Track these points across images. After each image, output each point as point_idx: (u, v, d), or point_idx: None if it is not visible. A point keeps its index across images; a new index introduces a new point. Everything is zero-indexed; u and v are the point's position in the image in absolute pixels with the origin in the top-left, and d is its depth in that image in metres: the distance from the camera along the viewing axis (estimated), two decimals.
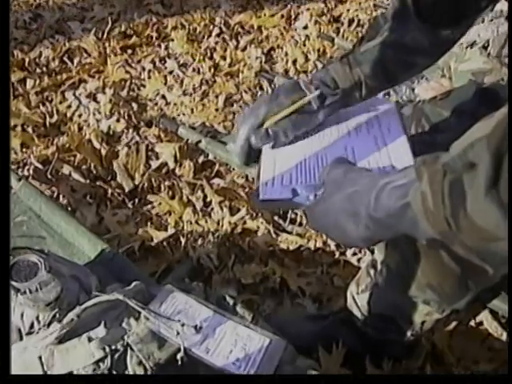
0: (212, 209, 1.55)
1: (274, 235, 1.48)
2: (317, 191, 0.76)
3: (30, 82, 2.05)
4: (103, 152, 1.71)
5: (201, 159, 1.72)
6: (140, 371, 0.84)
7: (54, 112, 1.90)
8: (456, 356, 1.25)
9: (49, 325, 0.89)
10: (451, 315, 1.16)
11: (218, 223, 1.50)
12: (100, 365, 0.84)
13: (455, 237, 0.59)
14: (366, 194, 0.68)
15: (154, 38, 2.36)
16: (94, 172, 1.65)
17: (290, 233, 1.50)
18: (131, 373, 0.83)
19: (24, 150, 1.73)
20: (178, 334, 0.86)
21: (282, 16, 2.62)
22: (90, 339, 0.86)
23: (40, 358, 0.85)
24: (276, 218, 1.54)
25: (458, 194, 0.55)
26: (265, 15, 2.63)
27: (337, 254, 1.44)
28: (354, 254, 1.45)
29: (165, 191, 1.61)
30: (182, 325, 0.87)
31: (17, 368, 0.86)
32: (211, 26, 2.49)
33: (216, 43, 2.38)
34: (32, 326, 0.90)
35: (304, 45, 2.38)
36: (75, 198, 1.54)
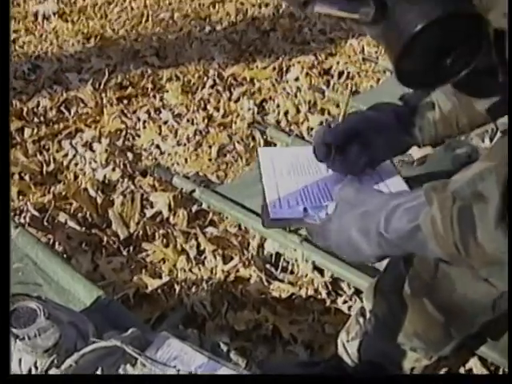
0: (205, 257, 1.58)
1: (266, 283, 1.51)
2: (326, 211, 0.80)
3: (27, 131, 2.10)
4: (99, 200, 1.75)
5: (194, 208, 1.76)
6: None
7: (51, 160, 1.95)
8: None
9: (47, 371, 0.91)
10: (440, 362, 1.18)
11: (212, 271, 1.53)
12: None
13: (463, 260, 0.64)
14: (376, 214, 0.72)
15: (149, 89, 2.43)
16: (90, 220, 1.69)
17: (281, 281, 1.53)
18: None
19: (21, 197, 1.76)
20: None
21: (274, 68, 2.71)
22: None
23: None
24: (268, 266, 1.57)
25: (467, 221, 0.61)
26: (257, 67, 2.72)
27: (328, 302, 1.47)
28: (345, 301, 1.48)
29: (159, 239, 1.64)
30: (178, 371, 0.89)
31: None
32: (205, 78, 2.57)
33: (210, 94, 2.45)
34: (30, 372, 0.92)
35: (295, 96, 2.46)
36: (71, 245, 1.57)
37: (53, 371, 0.89)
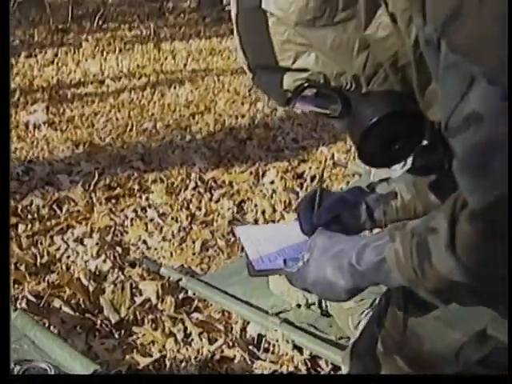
0: (192, 339, 1.68)
1: (249, 362, 1.61)
2: (303, 260, 0.95)
3: (21, 227, 2.23)
4: (91, 288, 1.86)
5: (181, 296, 1.88)
6: None
7: (45, 253, 2.07)
8: None
9: None
10: None
11: (198, 351, 1.64)
12: None
13: (420, 283, 0.80)
14: (349, 252, 0.88)
15: (135, 190, 2.61)
16: (83, 306, 1.79)
17: (264, 360, 1.63)
18: None
19: (16, 286, 1.86)
20: None
21: (251, 173, 2.93)
22: None
23: None
24: (251, 347, 1.68)
25: (423, 250, 0.78)
26: (235, 172, 2.94)
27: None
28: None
29: (148, 324, 1.75)
30: None
31: None
32: (187, 181, 2.77)
33: (192, 195, 2.64)
34: None
35: (271, 197, 2.66)
36: (65, 328, 1.67)
37: None
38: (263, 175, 2.94)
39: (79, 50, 6.04)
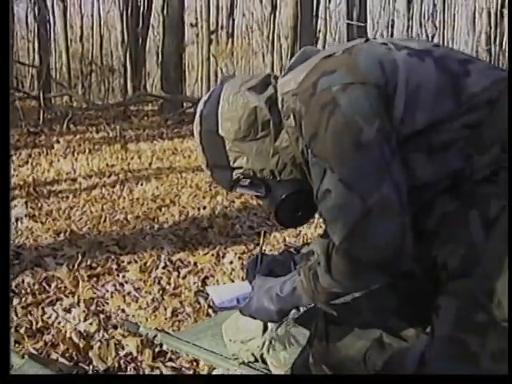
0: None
1: None
2: (249, 298, 1.41)
3: (16, 300, 2.61)
4: (81, 345, 2.24)
5: (157, 349, 2.27)
6: None
7: (39, 320, 2.44)
8: None
9: None
10: None
11: None
12: None
13: (317, 298, 1.26)
14: (275, 286, 1.36)
15: (113, 269, 3.03)
16: (76, 358, 2.16)
17: None
18: None
19: (17, 345, 2.23)
20: None
21: (212, 255, 3.38)
22: None
23: None
24: None
25: (315, 277, 1.24)
26: (199, 254, 3.38)
27: None
28: None
29: (131, 370, 2.12)
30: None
31: None
32: (158, 261, 3.20)
33: (162, 273, 3.06)
34: None
35: (231, 274, 3.09)
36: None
37: None
38: (223, 257, 3.39)
39: (51, 150, 6.55)
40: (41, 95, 8.67)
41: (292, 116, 1.26)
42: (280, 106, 1.30)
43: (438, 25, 22.80)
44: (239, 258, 3.34)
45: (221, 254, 3.41)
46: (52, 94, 10.81)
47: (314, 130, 1.19)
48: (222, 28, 18.74)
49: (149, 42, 17.54)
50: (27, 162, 5.98)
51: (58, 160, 6.16)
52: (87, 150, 6.68)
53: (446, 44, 22.34)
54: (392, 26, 23.85)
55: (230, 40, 17.53)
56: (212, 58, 14.13)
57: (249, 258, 3.37)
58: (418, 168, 1.21)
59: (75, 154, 6.48)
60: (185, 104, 10.42)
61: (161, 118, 10.03)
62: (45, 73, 9.66)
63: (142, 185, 5.21)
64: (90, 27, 19.24)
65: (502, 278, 1.12)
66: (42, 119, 8.10)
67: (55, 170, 5.73)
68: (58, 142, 6.98)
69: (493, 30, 16.05)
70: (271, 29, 16.56)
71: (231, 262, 3.30)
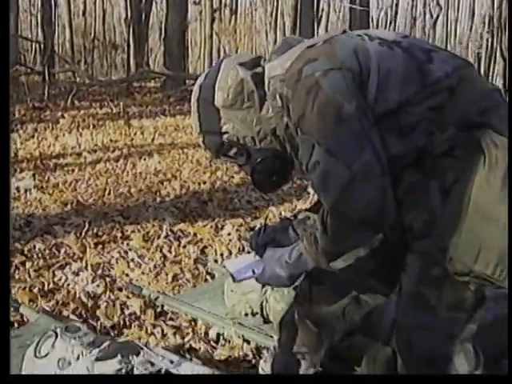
0: (168, 336, 2.27)
1: (210, 351, 2.20)
2: (262, 268, 1.58)
3: (28, 264, 2.81)
4: (89, 304, 2.44)
5: (158, 309, 2.47)
6: None
7: (50, 281, 2.65)
8: None
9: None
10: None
11: (172, 344, 2.23)
12: None
13: (319, 260, 1.44)
14: (284, 254, 1.53)
15: (118, 238, 3.23)
16: (84, 316, 2.37)
17: (221, 350, 2.22)
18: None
19: (32, 303, 2.43)
20: None
21: (211, 226, 3.58)
22: None
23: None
24: (211, 342, 2.27)
25: (315, 241, 1.42)
26: (199, 225, 3.58)
27: (253, 361, 2.17)
28: (265, 360, 2.18)
29: (135, 328, 2.33)
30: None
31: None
32: (160, 231, 3.39)
33: (164, 242, 3.26)
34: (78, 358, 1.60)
35: (228, 244, 3.29)
36: None
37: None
38: (221, 228, 3.59)
39: (56, 125, 6.71)
40: (45, 70, 8.80)
41: (279, 98, 1.44)
42: (267, 87, 1.48)
43: (442, 5, 22.73)
44: (237, 230, 3.53)
45: (219, 226, 3.61)
46: (56, 70, 10.94)
47: (302, 111, 1.37)
48: (225, 5, 18.77)
49: (152, 18, 17.59)
50: (33, 136, 6.15)
51: (64, 135, 6.34)
52: (91, 126, 6.85)
53: (450, 25, 22.36)
54: (397, 5, 23.83)
55: (233, 17, 17.55)
56: (215, 36, 14.21)
57: (245, 230, 3.57)
58: (389, 145, 1.39)
59: (80, 129, 6.66)
60: (187, 81, 10.54)
61: (163, 94, 10.17)
62: (49, 48, 9.78)
63: (144, 160, 5.39)
64: (93, 1, 19.21)
65: (453, 237, 1.30)
66: (46, 94, 8.24)
67: (61, 144, 5.90)
68: (62, 117, 7.15)
69: (496, 12, 16.02)
70: (275, 6, 16.61)
71: (229, 234, 3.49)
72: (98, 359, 1.57)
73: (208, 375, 1.44)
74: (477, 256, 1.28)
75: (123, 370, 1.56)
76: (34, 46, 14.18)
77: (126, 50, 13.57)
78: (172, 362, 1.63)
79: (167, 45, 11.49)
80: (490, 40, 17.15)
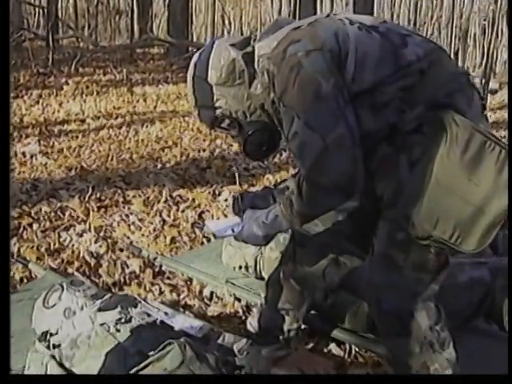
0: (165, 293, 2.46)
1: (204, 308, 2.38)
2: (241, 227, 1.74)
3: (35, 226, 2.99)
4: (92, 263, 2.63)
5: (157, 269, 2.65)
6: None
7: (56, 242, 2.83)
8: None
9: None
10: (302, 330, 2.08)
11: (169, 300, 2.41)
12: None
13: (294, 222, 1.60)
14: (262, 215, 1.68)
15: (120, 202, 3.40)
16: (88, 274, 2.55)
17: (214, 307, 2.40)
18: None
19: (39, 261, 2.61)
20: None
21: (209, 192, 3.74)
22: None
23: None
24: (205, 300, 2.45)
25: (291, 204, 1.57)
26: (197, 191, 3.74)
27: (243, 317, 2.35)
28: (253, 317, 2.36)
29: (134, 285, 2.51)
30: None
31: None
32: (159, 197, 3.56)
33: (163, 207, 3.43)
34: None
35: (225, 209, 3.46)
36: None
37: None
38: (219, 194, 3.75)
39: (60, 92, 6.83)
40: (49, 36, 8.87)
41: (266, 74, 1.59)
42: (256, 65, 1.63)
43: None
44: (233, 196, 3.69)
45: (217, 192, 3.77)
46: (60, 36, 10.99)
47: (284, 87, 1.51)
48: None
49: None
50: (38, 102, 6.28)
51: (68, 101, 6.46)
52: (95, 92, 6.96)
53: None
54: None
55: None
56: (218, 3, 14.18)
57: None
58: (363, 121, 1.54)
59: (83, 95, 6.78)
60: (190, 49, 10.59)
61: (166, 62, 10.24)
62: (54, 14, 9.82)
63: (146, 127, 5.53)
64: None
65: (416, 206, 1.46)
66: (51, 60, 8.33)
67: (65, 110, 6.04)
68: (66, 83, 7.26)
69: None
70: None
71: (226, 200, 3.65)
72: (99, 310, 1.75)
73: (208, 375, 1.52)
74: (436, 223, 1.44)
75: (122, 320, 1.74)
76: (37, 11, 14.17)
77: (129, 15, 13.58)
78: (167, 313, 1.81)
79: (171, 11, 11.47)
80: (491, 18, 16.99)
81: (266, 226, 1.68)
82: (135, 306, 1.81)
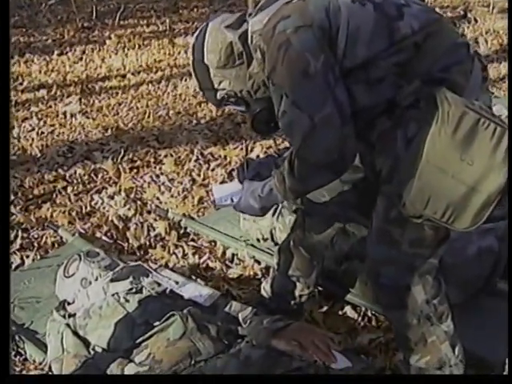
0: (188, 256, 2.54)
1: (225, 270, 2.45)
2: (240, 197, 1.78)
3: (69, 189, 3.11)
4: (120, 226, 2.72)
5: (182, 231, 2.73)
6: None
7: (88, 205, 2.94)
8: (326, 328, 2.18)
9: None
10: (313, 296, 2.12)
11: (191, 263, 2.49)
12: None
13: (287, 196, 1.62)
14: (258, 188, 1.71)
15: (151, 163, 3.47)
16: (115, 237, 2.65)
17: (235, 269, 2.47)
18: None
19: (69, 225, 2.73)
20: None
21: (241, 149, 3.76)
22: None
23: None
24: (227, 262, 2.51)
25: (284, 179, 1.59)
26: (229, 148, 3.77)
27: (262, 280, 2.40)
28: None
29: (159, 248, 2.60)
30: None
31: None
32: (191, 155, 3.61)
33: (194, 166, 3.48)
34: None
35: None
36: (105, 249, 2.51)
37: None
38: (251, 150, 3.77)
39: (103, 47, 6.89)
40: None
41: (259, 51, 1.57)
42: (250, 41, 1.61)
43: None
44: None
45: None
46: None
47: (273, 65, 1.50)
48: None
49: None
50: (81, 59, 6.36)
51: (110, 56, 6.51)
52: (137, 46, 6.97)
53: None
54: None
55: None
56: None
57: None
58: (357, 96, 1.51)
59: (125, 49, 6.81)
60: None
61: (210, 9, 10.10)
62: None
63: (185, 80, 5.53)
64: None
65: (408, 184, 1.44)
66: (95, 13, 8.36)
67: (107, 66, 6.09)
68: (109, 37, 7.28)
69: None
70: None
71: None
72: (112, 280, 1.84)
73: (208, 375, 1.51)
74: (427, 203, 1.43)
75: (133, 290, 1.82)
76: None
77: None
78: (177, 282, 1.88)
79: None
80: None
81: (262, 199, 1.71)
82: (146, 276, 1.89)
